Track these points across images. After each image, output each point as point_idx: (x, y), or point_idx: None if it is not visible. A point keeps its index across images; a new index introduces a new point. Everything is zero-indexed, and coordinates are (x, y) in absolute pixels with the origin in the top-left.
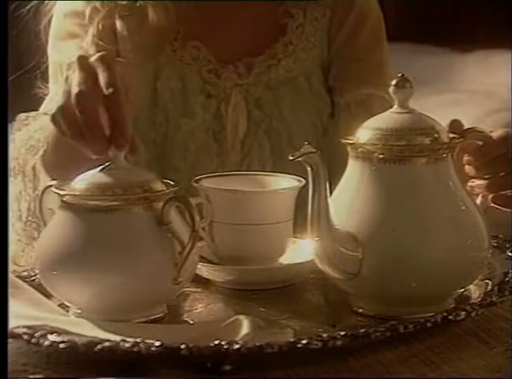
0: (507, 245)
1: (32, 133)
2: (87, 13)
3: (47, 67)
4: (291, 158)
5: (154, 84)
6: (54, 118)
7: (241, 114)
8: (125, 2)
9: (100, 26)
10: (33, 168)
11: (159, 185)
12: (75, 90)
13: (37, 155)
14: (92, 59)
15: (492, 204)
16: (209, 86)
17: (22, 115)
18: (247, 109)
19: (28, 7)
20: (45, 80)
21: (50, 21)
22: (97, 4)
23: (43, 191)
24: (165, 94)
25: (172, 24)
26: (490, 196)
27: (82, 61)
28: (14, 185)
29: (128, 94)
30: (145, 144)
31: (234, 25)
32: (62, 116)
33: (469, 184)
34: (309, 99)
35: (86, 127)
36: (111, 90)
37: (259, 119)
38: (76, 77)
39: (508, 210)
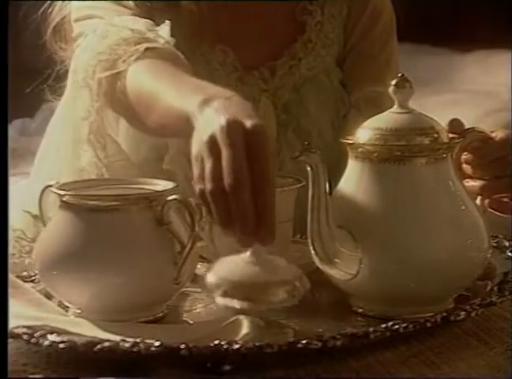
0: (507, 245)
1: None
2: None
3: (54, 79)
4: (291, 158)
5: None
6: (202, 195)
7: (270, 120)
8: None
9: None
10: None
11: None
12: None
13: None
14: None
15: (489, 209)
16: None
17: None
18: (275, 114)
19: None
20: (54, 92)
21: (55, 30)
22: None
23: (43, 191)
24: None
25: (201, 25)
26: (486, 201)
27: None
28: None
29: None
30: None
31: (256, 27)
32: (212, 197)
33: (465, 184)
34: (330, 96)
35: (239, 216)
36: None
37: (287, 121)
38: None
39: (504, 215)
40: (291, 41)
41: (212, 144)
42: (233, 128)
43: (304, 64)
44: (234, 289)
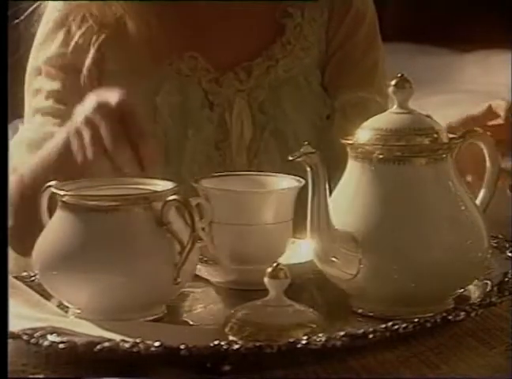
0: (507, 245)
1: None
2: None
3: None
4: (290, 158)
5: (153, 99)
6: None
7: (246, 119)
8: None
9: (81, 41)
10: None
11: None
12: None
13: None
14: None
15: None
16: (211, 96)
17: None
18: (251, 114)
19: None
20: None
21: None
22: (76, 22)
23: (43, 191)
24: (165, 109)
25: (160, 38)
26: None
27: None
28: None
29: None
30: None
31: (228, 30)
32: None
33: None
34: (309, 98)
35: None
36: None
37: (264, 122)
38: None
39: None
40: (270, 42)
41: (87, 119)
42: (101, 103)
43: (282, 65)
44: (257, 330)
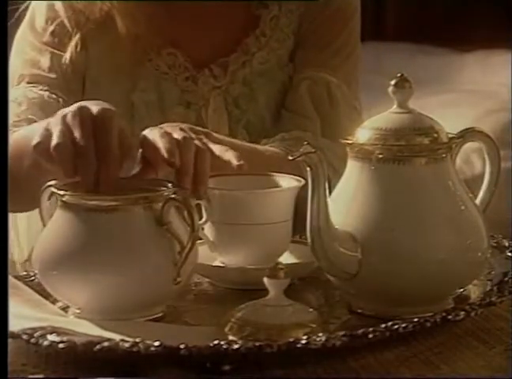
0: (506, 245)
1: None
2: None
3: None
4: (290, 158)
5: (130, 96)
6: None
7: (221, 116)
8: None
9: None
10: None
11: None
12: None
13: None
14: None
15: None
16: (187, 94)
17: None
18: (227, 110)
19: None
20: None
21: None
22: (65, 20)
23: (43, 191)
24: (141, 106)
25: (144, 33)
26: None
27: (83, 112)
28: None
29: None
30: None
31: (206, 25)
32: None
33: None
34: (283, 89)
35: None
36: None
37: (239, 117)
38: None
39: None
40: (244, 36)
41: (63, 119)
42: (80, 110)
43: (257, 58)
44: (257, 330)
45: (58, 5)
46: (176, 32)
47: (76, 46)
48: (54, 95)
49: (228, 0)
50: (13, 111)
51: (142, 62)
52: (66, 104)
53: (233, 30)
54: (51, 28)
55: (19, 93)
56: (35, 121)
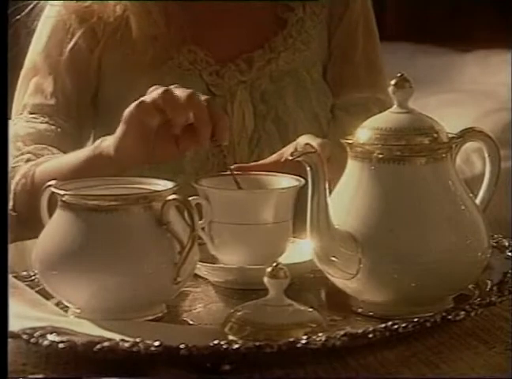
0: (506, 245)
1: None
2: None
3: None
4: (290, 158)
5: None
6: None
7: (247, 109)
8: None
9: (81, 41)
10: None
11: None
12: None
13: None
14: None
15: None
16: (213, 88)
17: None
18: (253, 104)
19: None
20: None
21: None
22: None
23: (43, 191)
24: None
25: (164, 33)
26: None
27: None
28: None
29: None
30: None
31: (228, 23)
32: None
33: None
34: (310, 89)
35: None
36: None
37: (265, 112)
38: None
39: None
40: (272, 35)
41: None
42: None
43: (283, 57)
44: (257, 330)
45: (70, 26)
46: (196, 31)
47: (89, 67)
48: (52, 126)
49: (249, 0)
50: (15, 146)
51: (164, 61)
52: (64, 131)
53: (259, 29)
54: (59, 50)
55: (20, 126)
56: (35, 155)
